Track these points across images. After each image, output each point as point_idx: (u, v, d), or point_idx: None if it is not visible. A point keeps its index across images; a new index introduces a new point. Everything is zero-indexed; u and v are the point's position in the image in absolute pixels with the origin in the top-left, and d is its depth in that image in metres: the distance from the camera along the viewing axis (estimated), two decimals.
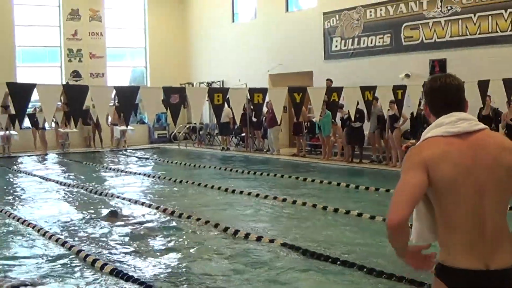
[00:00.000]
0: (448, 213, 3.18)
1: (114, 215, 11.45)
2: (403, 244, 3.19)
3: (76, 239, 9.68)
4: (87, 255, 8.37)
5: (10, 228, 10.59)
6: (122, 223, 10.82)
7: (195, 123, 27.49)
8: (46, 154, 24.70)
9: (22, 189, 15.85)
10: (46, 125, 24.33)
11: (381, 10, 20.49)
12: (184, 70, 30.05)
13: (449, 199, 3.16)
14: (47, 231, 10.01)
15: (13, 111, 22.08)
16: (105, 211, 11.74)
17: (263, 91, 11.50)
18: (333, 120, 19.41)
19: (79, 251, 8.67)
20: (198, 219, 10.64)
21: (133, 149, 26.18)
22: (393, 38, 20.13)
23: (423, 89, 3.49)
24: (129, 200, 13.02)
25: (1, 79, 14.93)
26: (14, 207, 12.74)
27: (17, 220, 11.05)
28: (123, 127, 26.14)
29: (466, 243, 3.15)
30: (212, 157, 22.89)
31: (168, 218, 11.19)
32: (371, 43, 20.90)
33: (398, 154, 17.75)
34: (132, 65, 31.52)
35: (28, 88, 9.86)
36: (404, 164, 3.26)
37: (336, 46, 22.18)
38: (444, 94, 3.30)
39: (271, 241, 9.02)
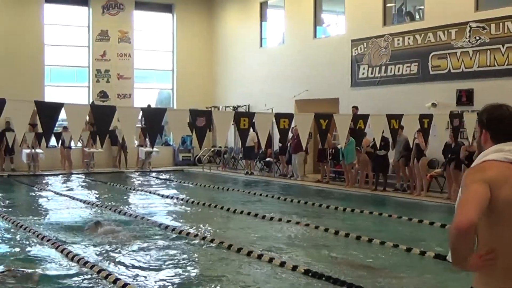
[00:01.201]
0: (498, 236, 3.25)
1: (97, 225, 12.09)
2: (468, 248, 3.19)
3: (99, 258, 9.71)
4: (108, 275, 8.39)
5: (32, 245, 10.64)
6: (144, 245, 10.82)
7: (220, 147, 27.54)
8: (71, 173, 24.89)
9: (45, 207, 15.94)
10: (72, 144, 24.56)
11: (409, 38, 20.46)
12: (210, 94, 30.18)
13: (503, 222, 3.23)
14: (66, 249, 10.05)
15: (40, 130, 22.45)
16: (127, 234, 11.74)
17: (289, 116, 11.49)
18: (357, 148, 19.32)
19: (100, 270, 8.68)
20: (221, 242, 10.60)
21: (157, 171, 26.25)
22: (421, 67, 20.06)
23: (480, 117, 3.59)
24: (153, 222, 13.01)
25: (29, 98, 15.12)
26: (36, 225, 12.83)
27: (42, 239, 11.10)
28: (148, 149, 26.28)
29: (509, 268, 3.21)
30: (236, 181, 22.87)
31: (190, 240, 11.18)
32: (398, 71, 20.85)
33: (423, 183, 17.62)
34: (159, 87, 31.74)
35: (55, 107, 9.91)
36: (467, 179, 3.33)
37: (363, 74, 22.15)
38: (508, 123, 3.46)
39: (294, 267, 8.95)
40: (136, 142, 25.95)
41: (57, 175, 24.58)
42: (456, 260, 3.24)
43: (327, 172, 21.71)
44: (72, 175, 24.65)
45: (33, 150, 24.43)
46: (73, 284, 8.34)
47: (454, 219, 3.11)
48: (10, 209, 15.10)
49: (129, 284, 8.08)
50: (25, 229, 12.11)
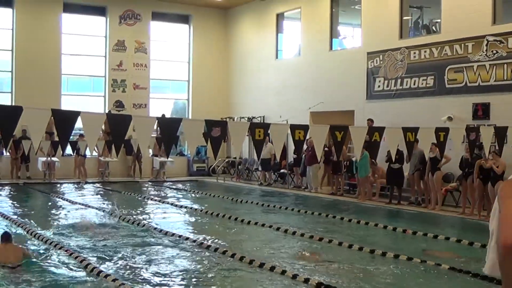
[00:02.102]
0: None
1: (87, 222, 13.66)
2: None
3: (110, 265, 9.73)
4: (121, 284, 8.41)
5: (47, 254, 10.67)
6: (157, 255, 10.83)
7: (234, 158, 27.58)
8: (86, 182, 24.98)
9: (59, 214, 15.99)
10: (88, 153, 24.72)
11: (425, 51, 20.41)
12: (225, 104, 30.25)
13: None
14: (81, 257, 10.08)
15: (56, 138, 22.57)
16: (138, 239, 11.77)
17: (305, 128, 11.46)
18: (373, 160, 19.25)
19: (114, 279, 8.69)
20: (233, 255, 10.59)
21: (171, 181, 26.29)
22: (437, 80, 19.99)
23: None
24: (166, 233, 13.01)
25: (46, 106, 15.17)
26: (51, 233, 12.89)
27: (55, 246, 11.14)
28: (163, 159, 26.34)
29: None
30: (250, 192, 22.84)
31: (202, 251, 11.18)
32: (414, 84, 20.78)
33: (438, 197, 17.53)
34: (175, 97, 31.87)
35: (72, 115, 9.96)
36: (504, 190, 3.14)
37: (378, 86, 22.11)
38: None
39: (306, 280, 8.92)
40: (151, 152, 26.03)
41: (72, 183, 24.69)
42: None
43: (341, 184, 21.65)
44: (86, 184, 24.74)
45: (49, 158, 24.56)
46: None
47: (501, 235, 2.77)
48: (25, 217, 15.15)
49: None
50: (38, 237, 12.18)
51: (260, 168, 26.18)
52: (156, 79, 29.96)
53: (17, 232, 12.84)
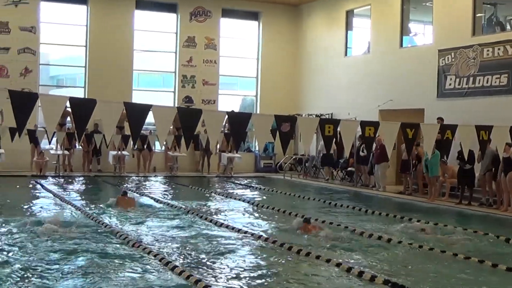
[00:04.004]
0: None
1: (124, 195, 15.70)
2: None
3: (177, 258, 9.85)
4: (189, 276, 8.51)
5: (117, 248, 10.87)
6: (222, 250, 10.90)
7: (302, 154, 27.56)
8: (155, 176, 25.41)
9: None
10: (157, 147, 25.20)
11: (499, 49, 19.93)
12: (293, 101, 30.23)
13: None
14: (149, 249, 10.24)
15: (126, 132, 23.02)
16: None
17: (375, 124, 11.35)
18: (443, 160, 18.92)
19: (189, 276, 8.79)
20: (299, 251, 10.56)
21: (238, 177, 26.41)
22: (511, 79, 19.50)
23: None
24: (233, 228, 13.06)
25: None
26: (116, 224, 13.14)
27: (123, 239, 11.35)
28: (231, 154, 26.53)
29: None
30: (316, 190, 22.72)
31: (268, 246, 11.20)
32: (487, 82, 20.32)
33: (511, 198, 17.09)
34: (243, 94, 32.03)
35: (144, 109, 10.13)
36: None
37: (450, 84, 21.70)
38: None
39: (373, 278, 8.83)
40: (218, 147, 26.24)
41: (141, 177, 25.11)
42: None
43: (409, 183, 21.35)
44: (155, 177, 25.15)
45: (119, 152, 25.04)
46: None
47: None
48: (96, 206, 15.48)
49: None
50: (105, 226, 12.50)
51: (320, 165, 26.38)
52: (225, 76, 30.17)
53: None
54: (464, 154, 14.10)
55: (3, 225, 12.55)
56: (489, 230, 13.46)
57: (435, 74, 22.25)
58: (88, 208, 15.32)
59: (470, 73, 20.92)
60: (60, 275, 8.74)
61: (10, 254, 9.87)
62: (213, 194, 20.28)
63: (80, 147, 25.41)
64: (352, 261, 10.04)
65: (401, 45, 24.67)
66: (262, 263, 10.04)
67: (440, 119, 20.14)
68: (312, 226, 12.45)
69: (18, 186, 21.08)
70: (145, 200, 17.52)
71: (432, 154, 17.41)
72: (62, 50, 28.89)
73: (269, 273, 9.37)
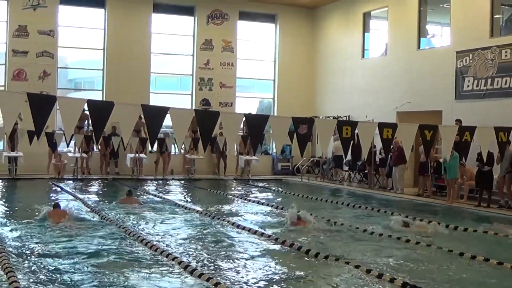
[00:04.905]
0: None
1: (129, 194, 16.55)
2: None
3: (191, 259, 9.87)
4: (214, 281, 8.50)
5: (132, 248, 10.92)
6: (239, 253, 10.89)
7: (319, 157, 27.52)
8: (173, 179, 25.49)
9: (146, 210, 16.29)
10: (175, 150, 25.31)
11: None
12: (310, 104, 30.22)
13: None
14: (166, 252, 10.27)
15: (144, 135, 23.11)
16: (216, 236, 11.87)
17: (393, 126, 11.31)
18: (461, 162, 18.81)
19: (209, 278, 8.80)
20: (317, 254, 10.53)
21: (256, 179, 26.41)
22: None
23: None
24: (249, 230, 13.06)
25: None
26: (135, 226, 13.19)
27: (141, 242, 11.39)
28: (248, 157, 26.55)
29: None
30: (335, 192, 22.68)
31: (287, 250, 11.18)
32: (506, 84, 20.17)
33: None
34: (260, 96, 32.06)
35: (161, 111, 10.15)
36: None
37: (468, 86, 21.57)
38: None
39: (392, 280, 8.79)
40: (236, 150, 26.24)
41: (158, 179, 25.18)
42: None
43: (428, 186, 21.23)
44: (173, 180, 25.21)
45: (137, 155, 25.12)
46: None
47: None
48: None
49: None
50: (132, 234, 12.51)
51: (332, 166, 26.41)
52: (242, 78, 30.20)
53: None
54: (483, 156, 13.98)
55: (21, 224, 12.78)
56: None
57: (453, 76, 22.13)
58: (105, 209, 15.43)
59: (488, 75, 20.79)
60: (80, 274, 8.81)
61: (31, 254, 9.95)
62: (231, 196, 20.29)
63: (98, 150, 25.52)
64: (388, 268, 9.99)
65: (419, 47, 24.57)
66: (280, 267, 10.01)
67: (458, 121, 20.01)
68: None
69: (36, 189, 21.24)
70: (160, 203, 17.60)
71: (450, 156, 17.30)
72: (80, 54, 29.10)
73: (288, 276, 9.35)
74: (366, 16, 27.71)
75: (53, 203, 14.59)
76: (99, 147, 24.97)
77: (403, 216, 14.52)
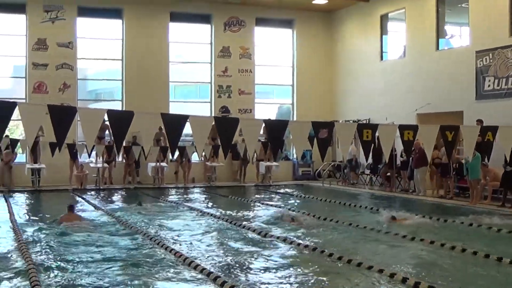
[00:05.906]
0: None
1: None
2: None
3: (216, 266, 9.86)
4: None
5: (158, 256, 10.93)
6: (263, 257, 10.87)
7: (340, 161, 27.42)
8: (194, 187, 25.52)
9: (168, 218, 16.32)
10: (195, 157, 25.34)
11: None
12: (330, 108, 30.15)
13: None
14: (189, 259, 10.27)
15: (163, 144, 23.16)
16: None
17: (414, 128, 11.24)
18: (484, 162, 18.63)
19: (224, 282, 8.79)
20: (340, 257, 10.49)
21: (277, 185, 26.38)
22: None
23: None
24: (271, 236, 13.03)
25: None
26: (161, 235, 13.21)
27: (166, 249, 11.41)
28: (269, 163, 26.53)
29: None
30: (356, 196, 22.59)
31: (313, 254, 11.15)
32: None
33: None
34: (279, 102, 32.05)
35: (181, 119, 10.15)
36: None
37: (488, 86, 21.41)
38: None
39: (417, 283, 8.72)
40: (256, 156, 26.23)
41: (179, 188, 25.23)
42: None
43: (450, 187, 21.07)
44: (194, 188, 25.24)
45: (158, 164, 25.17)
46: None
47: None
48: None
49: None
50: (151, 239, 12.54)
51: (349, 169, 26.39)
52: (261, 84, 30.20)
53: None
54: (506, 156, 13.83)
55: (48, 231, 13.07)
56: None
57: (473, 76, 21.98)
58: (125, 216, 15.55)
59: (509, 74, 20.62)
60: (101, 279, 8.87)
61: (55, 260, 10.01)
62: (253, 203, 20.28)
63: (123, 160, 25.54)
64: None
65: (437, 47, 24.43)
66: (302, 271, 9.98)
67: (480, 121, 19.85)
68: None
69: (60, 199, 21.37)
70: (184, 211, 17.65)
71: (472, 157, 17.15)
72: (99, 65, 29.25)
73: (310, 281, 9.32)
74: (384, 18, 27.62)
75: (67, 205, 15.30)
76: (124, 157, 25.04)
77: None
